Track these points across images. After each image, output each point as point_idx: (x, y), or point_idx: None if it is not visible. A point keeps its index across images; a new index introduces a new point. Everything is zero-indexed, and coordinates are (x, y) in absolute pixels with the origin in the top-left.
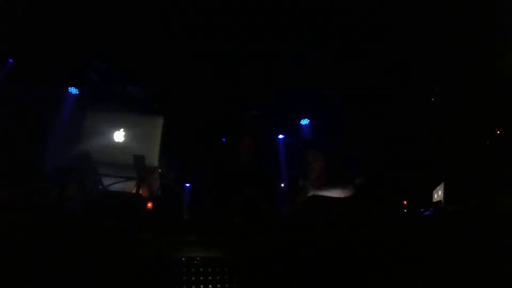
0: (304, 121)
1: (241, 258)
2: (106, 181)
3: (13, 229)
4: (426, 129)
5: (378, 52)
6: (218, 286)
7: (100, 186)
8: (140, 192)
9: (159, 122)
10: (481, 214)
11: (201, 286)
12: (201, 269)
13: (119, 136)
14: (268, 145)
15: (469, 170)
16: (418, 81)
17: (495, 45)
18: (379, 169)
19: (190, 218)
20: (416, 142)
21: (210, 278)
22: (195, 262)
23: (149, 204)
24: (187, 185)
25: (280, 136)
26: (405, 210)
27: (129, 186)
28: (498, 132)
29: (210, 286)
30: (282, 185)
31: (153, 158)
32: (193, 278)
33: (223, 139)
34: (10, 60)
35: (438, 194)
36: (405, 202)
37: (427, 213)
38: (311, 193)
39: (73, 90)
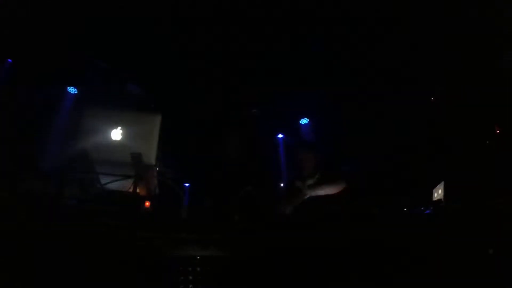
0: (303, 121)
1: (239, 257)
2: (104, 180)
3: (12, 228)
4: (426, 129)
5: (378, 52)
6: (216, 285)
7: (98, 185)
8: (138, 190)
9: (157, 120)
10: (481, 213)
11: (199, 285)
12: (198, 268)
13: (116, 134)
14: (267, 144)
15: (469, 169)
16: (418, 81)
17: (495, 45)
18: (378, 168)
19: (189, 217)
20: (416, 141)
21: (208, 277)
22: (193, 261)
23: (147, 203)
24: (186, 184)
25: (280, 136)
26: (405, 209)
27: (127, 185)
28: (498, 131)
29: (208, 285)
30: (282, 184)
31: (150, 156)
32: (190, 277)
33: (222, 138)
34: (9, 60)
35: (438, 193)
36: (404, 201)
37: (427, 211)
38: (307, 194)
39: (71, 89)
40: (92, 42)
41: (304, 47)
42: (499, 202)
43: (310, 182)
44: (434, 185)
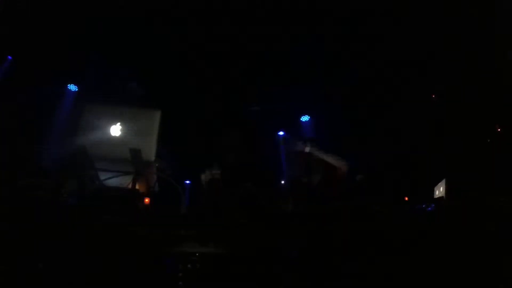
0: (305, 118)
1: (238, 253)
2: (103, 176)
3: (13, 224)
4: (426, 128)
5: (378, 52)
6: (215, 281)
7: (97, 181)
8: (137, 187)
9: (157, 116)
10: (482, 211)
11: (198, 281)
12: (198, 265)
13: (116, 130)
14: (267, 141)
15: (470, 168)
16: (418, 81)
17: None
18: (380, 165)
19: (188, 214)
20: (416, 139)
21: (207, 273)
22: (192, 257)
23: (146, 200)
24: (187, 182)
25: (280, 133)
26: (407, 206)
27: (126, 181)
28: (499, 130)
29: (207, 281)
30: (282, 181)
31: (150, 152)
32: (190, 274)
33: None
34: (9, 57)
35: (439, 191)
36: (406, 198)
37: (429, 209)
38: (307, 191)
39: (72, 87)
40: (93, 40)
41: (304, 46)
42: (500, 200)
43: (310, 178)
44: (435, 183)
